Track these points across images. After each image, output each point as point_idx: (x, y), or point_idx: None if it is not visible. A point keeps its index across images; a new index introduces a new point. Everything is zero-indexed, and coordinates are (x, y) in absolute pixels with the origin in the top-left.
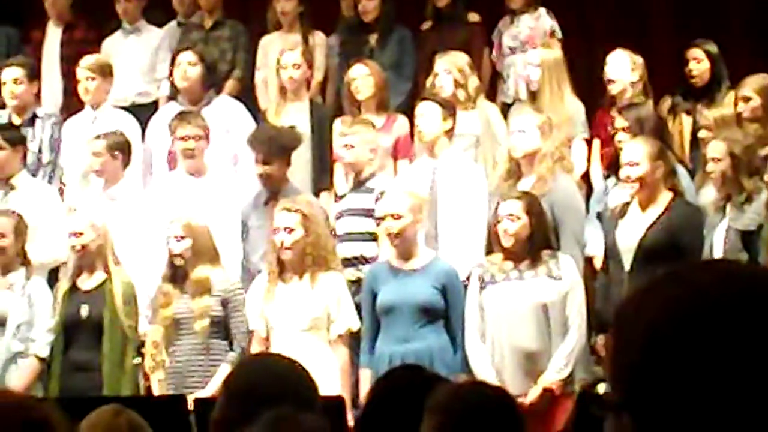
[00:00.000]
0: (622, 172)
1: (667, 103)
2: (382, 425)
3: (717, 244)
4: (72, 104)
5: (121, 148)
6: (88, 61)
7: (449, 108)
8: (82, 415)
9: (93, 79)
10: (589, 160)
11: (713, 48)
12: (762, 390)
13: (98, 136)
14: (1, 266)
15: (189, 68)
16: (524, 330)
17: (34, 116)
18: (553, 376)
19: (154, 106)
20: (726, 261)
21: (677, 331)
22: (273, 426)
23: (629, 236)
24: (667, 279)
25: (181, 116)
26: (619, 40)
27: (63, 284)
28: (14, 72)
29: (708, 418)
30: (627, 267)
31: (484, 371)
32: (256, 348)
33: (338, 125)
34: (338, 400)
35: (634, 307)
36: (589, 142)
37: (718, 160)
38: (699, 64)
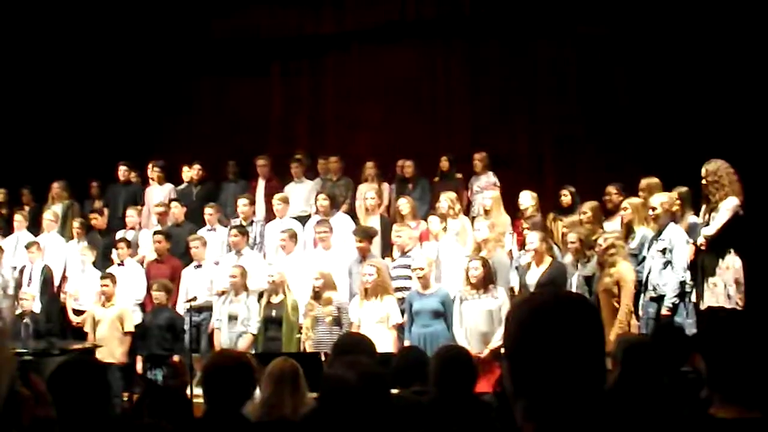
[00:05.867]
0: (527, 247)
1: (551, 215)
2: (411, 368)
3: (573, 283)
4: (270, 218)
5: (291, 236)
6: (278, 196)
7: (443, 218)
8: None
9: (281, 204)
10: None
11: (571, 188)
12: (548, 350)
13: (283, 231)
14: (234, 291)
15: (323, 201)
16: (481, 323)
17: (252, 221)
18: (495, 344)
19: (310, 216)
20: (557, 290)
21: (529, 323)
22: (350, 362)
23: (531, 279)
24: (530, 297)
25: (317, 223)
26: (524, 183)
27: (263, 300)
28: (244, 201)
29: (535, 362)
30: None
31: (462, 342)
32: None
33: (394, 227)
34: (389, 355)
35: (515, 309)
36: (513, 234)
37: (573, 242)
38: (566, 197)
